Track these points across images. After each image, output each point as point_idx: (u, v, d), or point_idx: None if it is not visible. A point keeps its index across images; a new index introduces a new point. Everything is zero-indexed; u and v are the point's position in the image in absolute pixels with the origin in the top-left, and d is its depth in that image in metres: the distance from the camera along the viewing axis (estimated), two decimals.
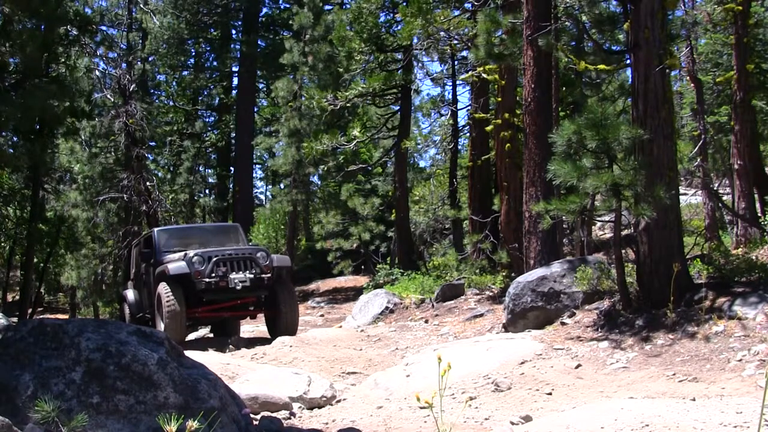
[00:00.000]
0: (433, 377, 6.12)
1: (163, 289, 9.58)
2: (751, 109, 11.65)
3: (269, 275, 9.96)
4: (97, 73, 18.62)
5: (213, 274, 9.63)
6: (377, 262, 19.46)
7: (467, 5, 15.07)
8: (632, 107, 7.50)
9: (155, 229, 11.38)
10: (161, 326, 9.64)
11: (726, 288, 6.95)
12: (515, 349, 6.89)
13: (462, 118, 17.90)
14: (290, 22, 21.29)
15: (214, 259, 9.72)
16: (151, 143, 23.22)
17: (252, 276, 9.76)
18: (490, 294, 11.56)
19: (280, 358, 8.57)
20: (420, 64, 19.66)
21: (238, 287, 9.68)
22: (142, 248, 11.10)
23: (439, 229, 21.56)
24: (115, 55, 18.83)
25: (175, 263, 9.77)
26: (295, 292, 10.87)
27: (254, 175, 28.60)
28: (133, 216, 18.19)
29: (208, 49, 28.09)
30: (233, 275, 9.70)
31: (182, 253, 10.01)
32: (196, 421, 2.53)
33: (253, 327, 13.05)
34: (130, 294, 11.75)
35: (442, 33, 13.62)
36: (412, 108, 21.05)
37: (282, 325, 10.15)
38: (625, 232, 9.51)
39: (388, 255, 21.34)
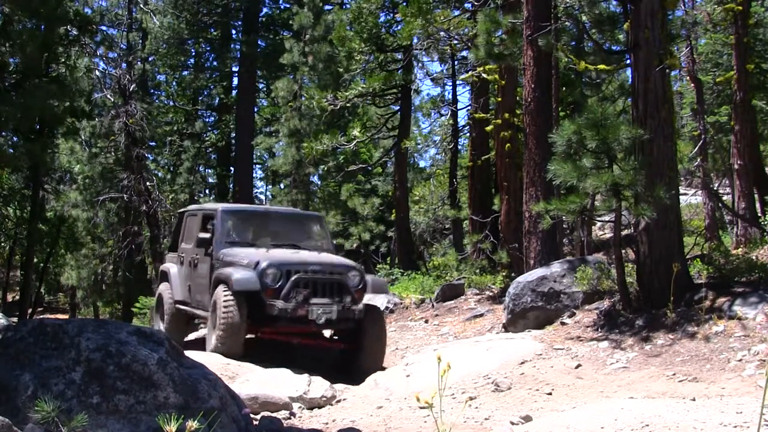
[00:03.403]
0: (433, 377, 6.11)
1: (223, 292, 7.54)
2: (751, 109, 11.65)
3: (360, 307, 7.78)
4: (97, 73, 18.63)
5: (290, 296, 7.47)
6: (377, 262, 19.47)
7: (467, 5, 15.07)
8: (632, 107, 7.51)
9: (220, 208, 8.92)
10: (212, 336, 7.66)
11: (726, 288, 6.95)
12: (515, 349, 6.89)
13: (462, 118, 17.92)
14: (290, 22, 21.28)
15: (294, 277, 7.53)
16: (151, 143, 23.25)
17: (340, 308, 7.57)
18: (490, 294, 11.56)
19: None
20: (420, 64, 19.67)
21: (321, 320, 7.51)
22: (200, 229, 8.89)
23: (439, 229, 21.57)
24: (115, 55, 18.85)
25: (241, 272, 7.59)
26: (385, 324, 8.57)
27: (254, 175, 28.57)
28: (133, 216, 18.19)
29: (208, 49, 28.07)
30: (316, 302, 7.51)
31: (252, 259, 7.78)
32: (196, 421, 2.52)
33: None
34: (175, 273, 9.53)
35: (442, 33, 13.62)
36: (412, 108, 21.06)
37: (364, 361, 7.87)
38: (625, 232, 9.51)
39: (388, 255, 21.35)
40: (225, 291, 7.51)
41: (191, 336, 11.38)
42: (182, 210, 10.82)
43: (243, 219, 9.16)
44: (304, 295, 7.48)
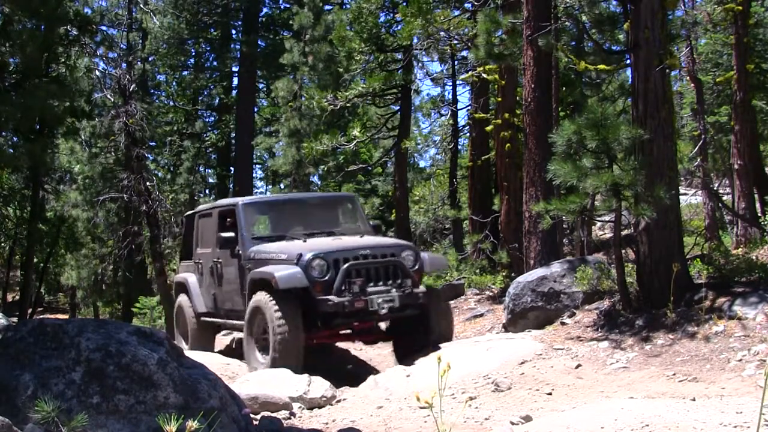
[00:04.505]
0: (433, 377, 6.10)
1: (269, 303, 6.62)
2: (751, 109, 11.64)
3: (423, 289, 7.08)
4: (97, 73, 18.59)
5: (344, 288, 6.60)
6: None
7: (467, 5, 15.07)
8: (632, 107, 7.50)
9: (240, 202, 7.90)
10: (257, 355, 6.92)
11: (726, 288, 6.95)
12: (515, 349, 6.89)
13: (462, 118, 17.92)
14: (290, 22, 21.28)
15: (345, 266, 6.68)
16: (151, 143, 23.24)
17: (401, 293, 6.76)
18: (490, 294, 11.57)
19: None
20: (420, 64, 19.64)
21: (383, 310, 6.66)
22: (218, 229, 7.94)
23: (439, 229, 21.56)
24: (115, 55, 18.81)
25: (284, 270, 6.64)
26: (450, 305, 7.87)
27: (254, 175, 28.55)
28: (133, 216, 18.18)
29: (208, 49, 28.08)
30: (373, 290, 6.68)
31: (291, 252, 6.85)
32: (196, 421, 2.52)
33: None
34: (194, 282, 8.59)
35: (442, 33, 13.61)
36: (412, 108, 21.05)
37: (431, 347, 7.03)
38: (625, 232, 9.51)
39: None
40: (271, 303, 6.63)
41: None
42: (190, 212, 9.90)
43: (269, 211, 8.35)
44: (359, 284, 6.64)
